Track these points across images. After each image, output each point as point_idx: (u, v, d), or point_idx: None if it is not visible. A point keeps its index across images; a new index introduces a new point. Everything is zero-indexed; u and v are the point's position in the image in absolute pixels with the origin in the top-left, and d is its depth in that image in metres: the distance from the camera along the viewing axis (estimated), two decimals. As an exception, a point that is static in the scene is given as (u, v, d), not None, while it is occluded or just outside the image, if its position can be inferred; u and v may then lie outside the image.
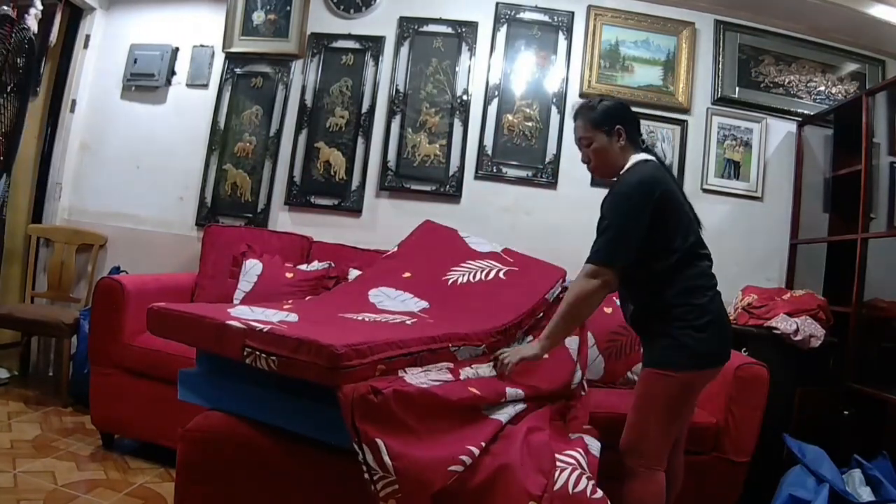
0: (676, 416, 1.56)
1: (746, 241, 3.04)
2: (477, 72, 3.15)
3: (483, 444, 1.32)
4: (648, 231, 1.50)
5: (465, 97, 3.13)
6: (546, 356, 1.65)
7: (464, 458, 1.25)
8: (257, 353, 1.30)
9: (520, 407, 1.55)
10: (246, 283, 2.63)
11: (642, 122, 2.99)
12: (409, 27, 3.20)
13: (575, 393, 1.89)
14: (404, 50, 3.20)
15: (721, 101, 3.12)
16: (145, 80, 3.34)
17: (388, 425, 1.20)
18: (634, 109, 2.97)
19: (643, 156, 1.63)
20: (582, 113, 1.69)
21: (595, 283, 1.51)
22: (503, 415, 1.49)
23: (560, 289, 2.20)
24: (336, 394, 1.22)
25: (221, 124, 3.27)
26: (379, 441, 1.18)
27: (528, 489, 1.27)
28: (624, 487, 1.53)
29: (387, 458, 1.17)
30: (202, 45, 3.34)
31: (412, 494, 1.18)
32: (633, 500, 1.52)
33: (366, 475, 1.19)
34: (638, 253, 1.51)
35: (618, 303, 1.89)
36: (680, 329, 1.49)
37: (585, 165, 1.72)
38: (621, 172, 1.62)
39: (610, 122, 1.64)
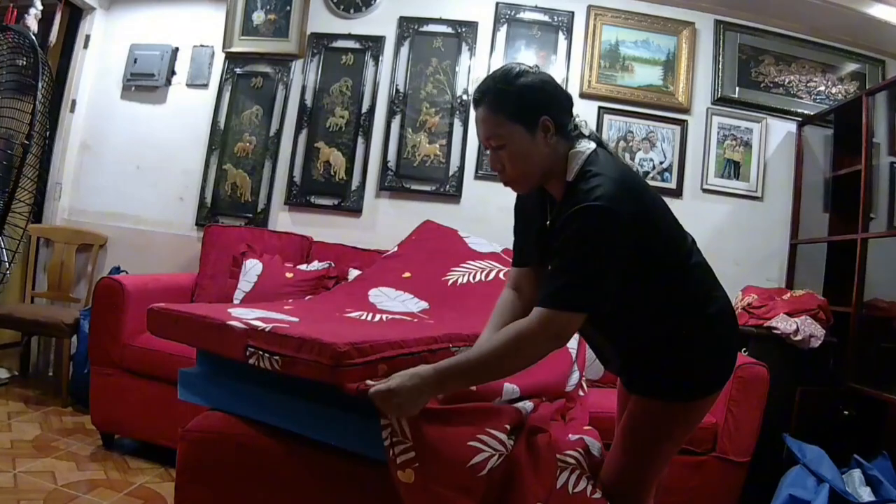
0: (680, 444, 1.35)
1: (746, 241, 3.04)
2: (477, 72, 3.14)
3: (507, 427, 1.31)
4: (639, 253, 1.12)
5: (465, 97, 3.13)
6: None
7: (483, 437, 1.25)
8: (260, 352, 1.30)
9: (529, 405, 1.55)
10: (246, 283, 2.63)
11: (642, 122, 3.11)
12: (409, 27, 3.20)
13: (572, 395, 1.89)
14: (404, 50, 3.20)
15: (721, 101, 3.12)
16: (145, 80, 3.34)
17: None
18: (634, 110, 3.10)
19: (585, 146, 1.17)
20: (488, 96, 1.15)
21: (548, 332, 1.09)
22: (519, 406, 1.49)
23: None
24: (339, 391, 1.22)
25: (221, 124, 3.27)
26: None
27: (535, 491, 1.27)
28: None
29: (405, 427, 1.17)
30: (202, 45, 3.34)
31: (430, 466, 1.16)
32: None
33: (386, 441, 1.18)
34: (633, 284, 1.15)
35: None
36: (707, 348, 1.24)
37: (498, 174, 1.22)
38: (570, 178, 1.15)
39: (530, 110, 1.14)
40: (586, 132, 1.23)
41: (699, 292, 1.24)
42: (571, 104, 1.23)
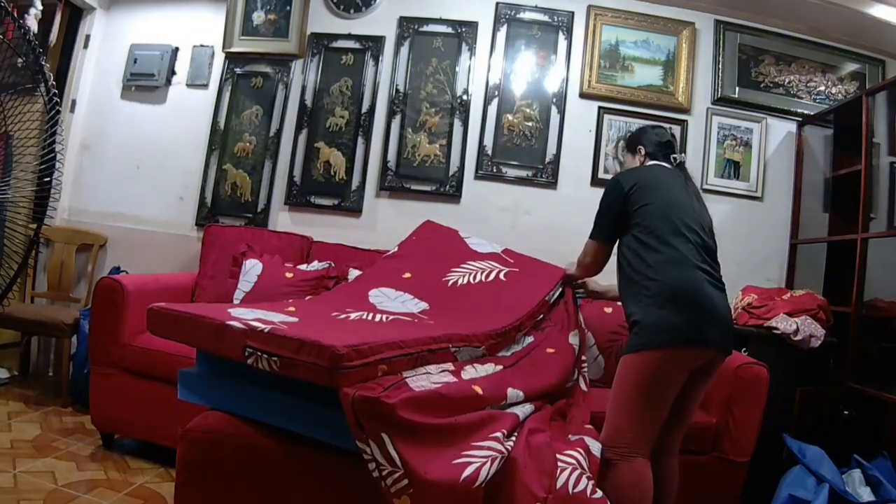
0: (649, 400, 1.53)
1: (746, 241, 3.04)
2: (477, 72, 3.15)
3: (500, 434, 1.31)
4: (626, 217, 1.70)
5: (465, 97, 3.13)
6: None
7: (467, 452, 1.24)
8: (258, 353, 1.30)
9: (529, 408, 1.55)
10: (246, 283, 2.63)
11: (642, 122, 3.09)
12: (409, 27, 3.20)
13: (572, 389, 1.89)
14: (404, 50, 3.20)
15: (721, 101, 3.12)
16: (145, 80, 3.34)
17: (392, 424, 1.20)
18: (634, 109, 3.11)
19: (649, 162, 1.88)
20: (624, 141, 2.20)
21: (587, 258, 1.88)
22: (518, 410, 1.48)
23: (560, 290, 2.20)
24: (338, 393, 1.22)
25: (221, 124, 3.27)
26: (384, 435, 1.18)
27: (534, 491, 1.27)
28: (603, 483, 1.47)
29: (392, 451, 1.16)
30: (202, 45, 3.34)
31: (423, 489, 1.16)
32: (611, 492, 1.44)
33: (374, 472, 1.19)
34: (618, 236, 1.75)
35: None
36: (643, 307, 1.56)
37: None
38: None
39: (633, 143, 1.97)
40: (670, 157, 1.87)
41: (663, 259, 1.57)
42: (668, 145, 1.90)
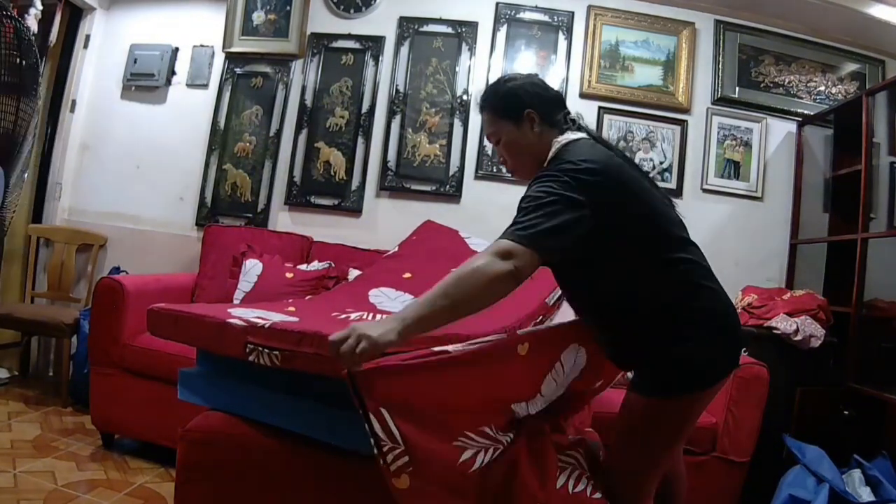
0: (677, 443, 1.35)
1: (746, 241, 3.04)
2: (477, 72, 3.15)
3: (494, 426, 1.30)
4: (607, 226, 1.18)
5: (465, 97, 3.13)
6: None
7: (463, 438, 1.23)
8: (260, 348, 1.30)
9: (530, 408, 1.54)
10: (246, 283, 2.63)
11: (642, 122, 3.11)
12: (409, 27, 3.20)
13: (552, 311, 1.85)
14: (404, 50, 3.20)
15: (721, 101, 3.12)
16: (145, 80, 3.34)
17: (390, 397, 1.17)
18: (634, 110, 3.10)
19: (572, 135, 1.31)
20: (485, 102, 1.39)
21: (506, 265, 1.09)
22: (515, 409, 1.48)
23: (559, 292, 2.19)
24: (337, 394, 1.22)
25: (221, 124, 3.27)
26: (383, 410, 1.16)
27: (534, 491, 1.27)
28: None
29: (393, 427, 1.14)
30: (202, 45, 3.34)
31: (424, 467, 1.14)
32: None
33: (374, 450, 1.17)
34: (603, 261, 1.23)
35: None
36: (682, 341, 1.21)
37: (505, 167, 1.45)
38: (545, 164, 1.29)
39: (515, 107, 1.33)
40: (583, 125, 1.37)
41: (690, 279, 1.24)
42: (560, 100, 1.40)
